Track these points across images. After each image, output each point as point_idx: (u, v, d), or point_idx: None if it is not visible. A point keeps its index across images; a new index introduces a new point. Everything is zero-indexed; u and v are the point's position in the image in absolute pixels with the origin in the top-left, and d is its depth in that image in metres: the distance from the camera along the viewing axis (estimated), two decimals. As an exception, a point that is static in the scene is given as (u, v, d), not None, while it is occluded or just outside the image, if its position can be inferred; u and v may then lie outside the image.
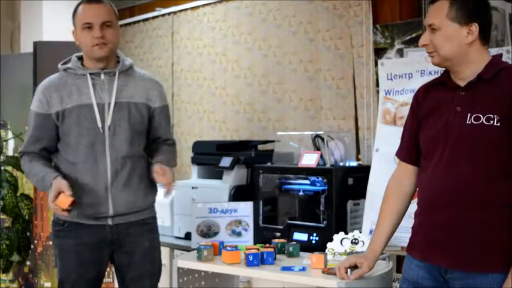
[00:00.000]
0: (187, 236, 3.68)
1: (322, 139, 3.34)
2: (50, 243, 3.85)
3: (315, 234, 3.18)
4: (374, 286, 2.33)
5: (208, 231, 3.11)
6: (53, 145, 2.63)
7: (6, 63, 4.46)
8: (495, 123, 1.91)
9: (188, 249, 3.36)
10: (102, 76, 2.59)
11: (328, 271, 2.38)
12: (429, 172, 2.05)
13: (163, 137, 2.77)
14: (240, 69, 4.34)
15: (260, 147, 3.93)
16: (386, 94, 3.15)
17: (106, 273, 3.63)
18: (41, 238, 4.04)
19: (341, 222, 3.15)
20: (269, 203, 3.48)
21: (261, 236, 3.29)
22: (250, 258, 2.51)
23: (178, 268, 2.71)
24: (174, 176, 4.64)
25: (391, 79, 3.14)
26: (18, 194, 4.13)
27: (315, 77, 3.89)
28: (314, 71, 3.89)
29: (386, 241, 2.23)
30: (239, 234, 3.12)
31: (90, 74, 2.58)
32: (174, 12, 4.81)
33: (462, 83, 2.03)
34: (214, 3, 4.51)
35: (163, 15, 4.90)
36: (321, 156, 3.27)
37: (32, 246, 4.09)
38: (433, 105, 2.09)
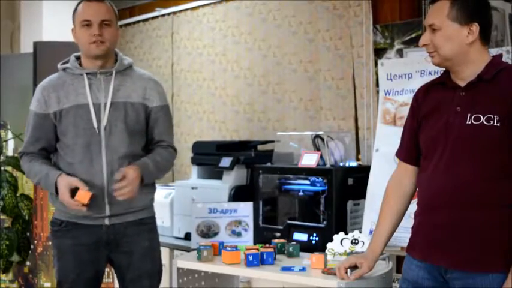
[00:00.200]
0: (187, 236, 3.68)
1: (322, 139, 3.34)
2: (50, 243, 3.85)
3: (314, 235, 3.18)
4: (374, 286, 2.33)
5: (208, 232, 3.11)
6: (52, 145, 2.63)
7: (6, 63, 4.46)
8: (495, 124, 1.91)
9: (188, 250, 3.36)
10: (98, 76, 2.58)
11: (328, 271, 2.38)
12: (429, 172, 2.05)
13: (157, 138, 2.68)
14: (239, 70, 4.34)
15: (260, 147, 3.93)
16: (386, 94, 3.15)
17: (106, 273, 3.66)
18: (40, 238, 4.04)
19: (341, 223, 3.14)
20: (269, 203, 3.48)
21: (261, 236, 3.29)
22: (250, 258, 2.51)
23: (178, 268, 2.71)
24: (174, 176, 4.65)
25: (391, 79, 3.14)
26: (18, 194, 4.13)
27: (315, 77, 3.89)
28: (314, 71, 3.89)
29: (386, 241, 2.23)
30: (239, 234, 3.12)
31: (86, 73, 2.58)
32: (174, 13, 4.81)
33: (462, 83, 2.03)
34: (214, 3, 4.51)
35: (163, 15, 4.90)
36: (321, 156, 3.27)
37: (32, 247, 4.09)
38: (433, 105, 2.09)
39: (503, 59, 2.19)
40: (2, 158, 4.12)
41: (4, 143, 4.24)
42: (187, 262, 2.69)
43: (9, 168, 4.11)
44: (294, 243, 2.76)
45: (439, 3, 2.02)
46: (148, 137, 2.69)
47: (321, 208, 3.18)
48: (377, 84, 3.43)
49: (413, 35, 3.38)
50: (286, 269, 2.46)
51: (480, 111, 1.94)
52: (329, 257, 2.56)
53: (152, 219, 2.73)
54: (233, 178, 3.65)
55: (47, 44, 4.13)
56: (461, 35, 1.98)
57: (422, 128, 2.12)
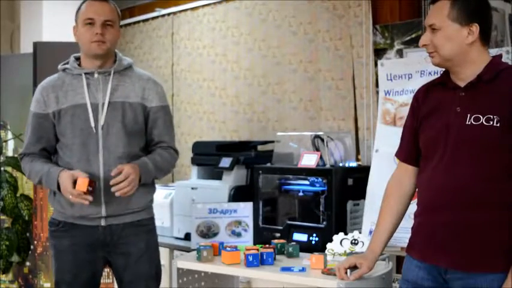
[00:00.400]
0: (187, 237, 3.68)
1: (322, 140, 3.35)
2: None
3: (314, 235, 3.18)
4: (374, 286, 2.33)
5: (208, 232, 3.10)
6: (52, 146, 2.62)
7: (6, 63, 4.45)
8: (495, 124, 1.91)
9: (188, 250, 3.36)
10: (96, 75, 2.58)
11: (328, 272, 2.38)
12: (429, 172, 2.05)
13: (157, 139, 2.67)
14: (239, 70, 4.34)
15: (260, 147, 3.93)
16: (386, 94, 3.15)
17: (106, 273, 3.65)
18: (40, 239, 4.03)
19: (341, 223, 3.15)
20: (269, 203, 3.48)
21: (261, 237, 3.29)
22: (250, 258, 2.50)
23: (178, 269, 2.71)
24: (174, 177, 4.65)
25: (391, 79, 3.14)
26: (18, 195, 4.13)
27: (315, 78, 3.89)
28: (314, 71, 3.89)
29: (386, 241, 2.23)
30: (239, 234, 3.12)
31: (85, 73, 2.58)
32: (174, 13, 4.82)
33: (462, 84, 2.03)
34: (214, 3, 4.51)
35: (163, 15, 4.90)
36: (321, 156, 3.27)
37: (32, 247, 4.09)
38: (433, 105, 2.09)
39: (503, 60, 2.19)
40: (2, 158, 4.12)
41: (4, 144, 4.24)
42: (187, 262, 2.69)
43: (9, 169, 4.11)
44: (294, 243, 2.76)
45: (439, 3, 2.02)
46: (148, 138, 2.67)
47: (321, 208, 3.18)
48: (377, 85, 3.43)
49: (413, 35, 3.39)
50: (286, 269, 2.46)
51: (480, 112, 1.94)
52: (329, 258, 2.56)
53: (151, 220, 2.71)
54: (233, 178, 3.66)
55: (46, 44, 4.13)
56: (461, 36, 1.98)
57: (422, 128, 2.11)
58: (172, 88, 4.80)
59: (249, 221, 3.12)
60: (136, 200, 2.59)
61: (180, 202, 3.83)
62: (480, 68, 2.00)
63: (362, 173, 3.25)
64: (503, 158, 1.92)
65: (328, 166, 3.25)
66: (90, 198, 2.43)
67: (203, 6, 4.60)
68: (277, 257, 2.64)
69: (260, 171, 3.45)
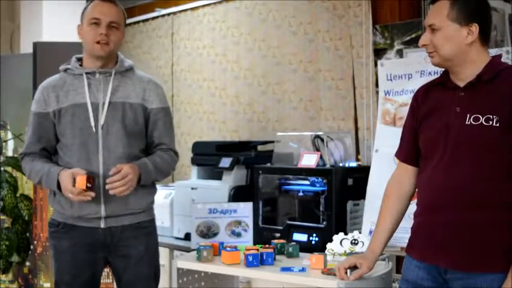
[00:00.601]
0: (187, 237, 3.68)
1: (322, 140, 3.35)
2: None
3: (314, 235, 3.18)
4: (374, 286, 2.33)
5: (207, 232, 3.10)
6: (52, 146, 2.62)
7: (6, 63, 4.45)
8: (494, 124, 1.91)
9: (188, 250, 3.36)
10: (97, 75, 2.59)
11: (328, 272, 2.38)
12: (429, 172, 2.05)
13: (157, 141, 2.66)
14: (239, 70, 4.34)
15: (260, 147, 3.93)
16: (385, 95, 3.15)
17: (106, 273, 3.65)
18: (40, 239, 4.03)
19: (341, 223, 3.15)
20: (269, 203, 3.48)
21: (261, 237, 3.29)
22: (250, 258, 2.50)
23: (178, 269, 2.71)
24: (174, 177, 4.65)
25: (391, 80, 3.14)
26: (18, 195, 4.13)
27: (315, 78, 3.89)
28: (314, 71, 3.90)
29: (385, 241, 2.23)
30: (239, 234, 3.11)
31: (86, 73, 2.58)
32: (174, 13, 4.82)
33: (462, 84, 2.03)
34: (214, 3, 4.51)
35: (163, 15, 4.90)
36: (321, 156, 3.27)
37: (32, 247, 4.09)
38: (432, 105, 2.09)
39: (503, 60, 2.19)
40: (1, 158, 4.12)
41: (4, 144, 4.24)
42: (187, 262, 2.69)
43: (9, 169, 4.11)
44: (294, 243, 2.76)
45: (439, 3, 2.02)
46: (148, 140, 2.67)
47: (321, 208, 3.18)
48: (377, 85, 3.43)
49: (413, 36, 3.39)
50: (285, 269, 2.46)
51: (479, 112, 1.94)
52: (329, 258, 2.56)
53: (151, 222, 2.70)
54: (233, 178, 3.66)
55: (46, 44, 4.13)
56: (461, 36, 1.98)
57: (422, 128, 2.12)
58: (172, 88, 4.80)
59: (249, 221, 3.12)
60: (137, 201, 2.59)
61: (180, 202, 3.84)
62: (480, 68, 2.00)
63: (362, 173, 3.25)
64: (502, 158, 1.92)
65: (328, 166, 3.25)
66: (92, 194, 2.43)
67: (203, 6, 4.60)
68: (277, 257, 2.64)
69: (260, 171, 3.45)
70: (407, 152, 2.20)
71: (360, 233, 2.68)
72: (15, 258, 4.05)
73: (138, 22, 5.10)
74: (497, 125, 1.91)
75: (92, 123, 2.54)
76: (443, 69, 2.11)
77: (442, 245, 1.99)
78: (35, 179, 2.61)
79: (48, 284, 4.00)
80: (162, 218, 3.84)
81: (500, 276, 1.90)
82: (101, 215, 2.54)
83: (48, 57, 3.93)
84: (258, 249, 2.58)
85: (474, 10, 1.99)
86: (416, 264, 2.09)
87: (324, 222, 3.17)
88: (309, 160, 3.27)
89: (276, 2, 4.09)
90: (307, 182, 3.32)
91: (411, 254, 2.12)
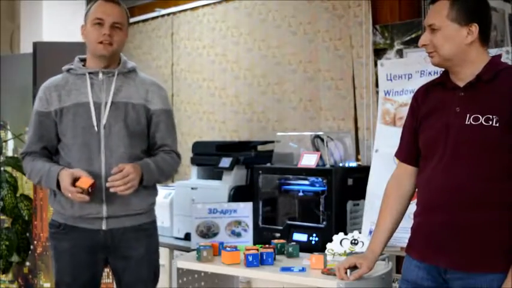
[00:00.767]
0: (187, 237, 3.68)
1: (322, 140, 3.35)
2: (49, 244, 3.86)
3: (314, 235, 3.18)
4: (374, 286, 2.33)
5: (207, 232, 3.10)
6: (53, 145, 2.62)
7: (6, 63, 4.45)
8: (494, 124, 1.92)
9: (188, 250, 3.36)
10: (100, 75, 2.59)
11: (328, 272, 2.38)
12: (429, 172, 2.05)
13: (159, 143, 2.66)
14: (239, 70, 4.34)
15: (260, 147, 3.93)
16: (385, 95, 3.16)
17: (106, 273, 3.65)
18: (40, 239, 4.03)
19: (341, 223, 3.15)
20: (269, 203, 3.48)
21: (261, 237, 3.29)
22: (250, 258, 2.50)
23: (178, 269, 2.71)
24: (174, 177, 4.65)
25: (391, 80, 3.14)
26: (18, 195, 4.13)
27: (315, 78, 3.89)
28: (313, 71, 3.90)
29: (385, 241, 2.23)
30: (239, 234, 3.11)
31: (89, 73, 2.59)
32: (174, 13, 4.82)
33: (461, 84, 2.03)
34: (214, 3, 4.51)
35: (163, 15, 4.90)
36: (321, 156, 3.27)
37: (32, 247, 4.09)
38: (432, 105, 2.09)
39: (503, 60, 2.20)
40: (1, 158, 4.12)
41: (4, 143, 4.24)
42: (187, 262, 2.69)
43: (9, 169, 4.11)
44: (294, 243, 2.76)
45: (439, 3, 2.02)
46: (150, 141, 2.67)
47: (321, 208, 3.19)
48: (377, 85, 3.43)
49: (413, 36, 3.39)
50: (285, 269, 2.46)
51: (479, 112, 1.94)
52: (329, 258, 2.56)
53: (152, 224, 2.70)
54: (233, 178, 3.66)
55: (46, 44, 4.14)
56: (461, 36, 1.98)
57: (421, 128, 2.12)
58: (172, 88, 4.80)
59: (249, 221, 3.12)
60: (138, 202, 2.59)
61: (180, 202, 3.83)
62: (479, 68, 2.00)
63: (362, 173, 3.25)
64: (502, 158, 1.92)
65: (328, 166, 3.25)
66: (86, 197, 2.44)
67: (203, 6, 4.60)
68: (277, 257, 2.64)
69: (260, 171, 3.45)
70: (407, 152, 2.20)
71: (360, 233, 2.68)
72: (15, 258, 4.05)
73: (137, 22, 5.10)
74: (497, 125, 1.91)
75: (94, 123, 2.54)
76: (443, 69, 2.11)
77: (442, 245, 2.00)
78: (35, 178, 2.61)
79: (48, 284, 4.00)
80: (162, 218, 3.84)
81: (500, 276, 1.90)
82: (103, 215, 2.54)
83: (48, 57, 3.93)
84: (258, 249, 2.58)
85: (474, 10, 1.99)
86: (416, 264, 2.09)
87: (324, 222, 3.17)
88: (309, 160, 3.27)
89: (276, 2, 4.09)
90: (307, 182, 3.32)
91: (411, 254, 2.13)
